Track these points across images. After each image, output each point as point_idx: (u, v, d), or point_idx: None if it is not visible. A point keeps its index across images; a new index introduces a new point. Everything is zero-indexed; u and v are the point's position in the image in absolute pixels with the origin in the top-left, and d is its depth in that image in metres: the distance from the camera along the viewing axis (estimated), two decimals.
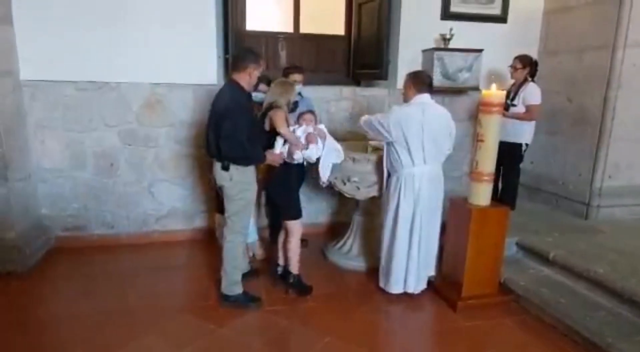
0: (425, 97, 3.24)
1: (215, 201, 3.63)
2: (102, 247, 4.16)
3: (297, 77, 3.81)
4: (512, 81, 4.42)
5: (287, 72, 3.85)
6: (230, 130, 2.88)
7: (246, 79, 3.02)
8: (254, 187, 3.16)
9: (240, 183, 3.05)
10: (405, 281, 3.35)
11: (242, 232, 3.21)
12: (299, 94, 3.86)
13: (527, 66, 4.28)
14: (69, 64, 3.91)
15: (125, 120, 4.13)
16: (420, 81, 3.26)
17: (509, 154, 4.28)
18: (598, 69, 4.30)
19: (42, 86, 3.92)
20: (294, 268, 3.40)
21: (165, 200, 4.37)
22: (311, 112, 3.50)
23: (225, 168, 3.01)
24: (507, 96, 4.20)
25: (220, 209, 3.49)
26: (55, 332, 2.87)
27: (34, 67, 3.85)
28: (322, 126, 3.45)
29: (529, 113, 4.25)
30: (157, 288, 3.48)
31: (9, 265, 3.56)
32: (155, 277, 3.66)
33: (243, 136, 2.91)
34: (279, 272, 3.53)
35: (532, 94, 4.25)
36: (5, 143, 3.58)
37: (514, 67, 4.31)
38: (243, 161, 3.02)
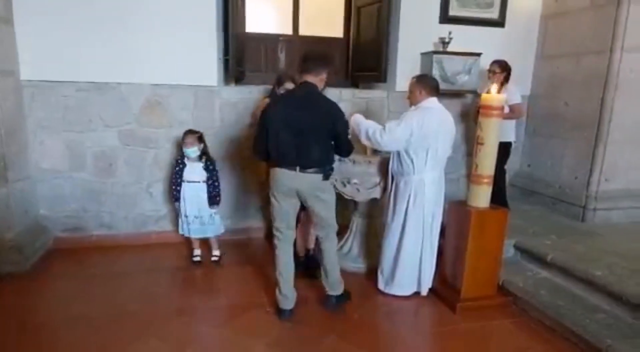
0: (434, 101, 3.27)
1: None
2: (101, 248, 4.16)
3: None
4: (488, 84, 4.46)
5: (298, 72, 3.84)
6: (347, 132, 3.02)
7: (319, 84, 2.96)
8: None
9: (332, 186, 3.18)
10: (419, 283, 3.42)
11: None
12: None
13: (505, 70, 4.37)
14: (69, 65, 3.91)
15: (125, 121, 4.13)
16: (430, 85, 3.27)
17: (499, 153, 4.31)
18: (595, 73, 4.35)
19: (42, 87, 3.92)
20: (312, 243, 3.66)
21: (164, 201, 4.37)
22: None
23: (328, 177, 2.99)
24: None
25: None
26: (54, 334, 2.85)
27: (34, 67, 3.85)
28: None
29: (514, 112, 4.40)
30: (156, 289, 3.48)
31: (7, 266, 3.54)
32: (155, 278, 3.66)
33: None
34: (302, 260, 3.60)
35: (513, 94, 4.39)
36: (6, 144, 3.57)
37: (492, 72, 4.38)
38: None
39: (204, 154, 3.83)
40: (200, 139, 3.81)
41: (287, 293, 3.07)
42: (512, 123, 4.49)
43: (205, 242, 4.04)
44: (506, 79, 4.42)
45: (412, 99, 3.31)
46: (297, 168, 2.86)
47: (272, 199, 3.01)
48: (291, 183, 2.90)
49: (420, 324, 3.28)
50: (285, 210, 3.02)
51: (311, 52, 3.18)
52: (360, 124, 3.33)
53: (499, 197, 4.46)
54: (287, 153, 2.86)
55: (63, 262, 3.87)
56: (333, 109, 2.91)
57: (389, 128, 3.18)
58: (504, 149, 4.39)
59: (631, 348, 2.60)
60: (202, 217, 3.86)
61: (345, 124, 3.02)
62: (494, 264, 3.33)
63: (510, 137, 4.49)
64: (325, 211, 3.05)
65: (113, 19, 3.91)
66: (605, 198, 4.44)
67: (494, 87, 3.20)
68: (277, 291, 3.10)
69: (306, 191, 2.93)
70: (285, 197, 2.97)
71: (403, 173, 3.28)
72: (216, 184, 3.88)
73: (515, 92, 4.43)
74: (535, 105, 5.03)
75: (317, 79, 2.92)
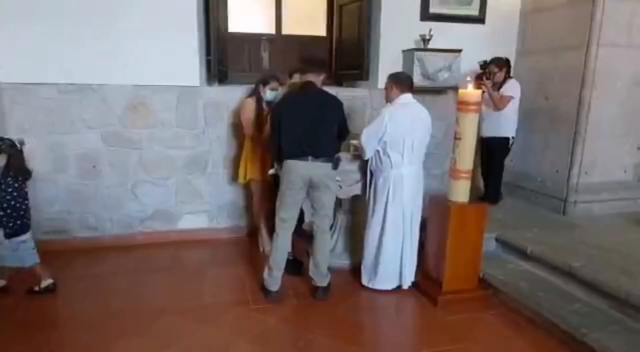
0: (408, 97, 3.35)
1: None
2: (86, 250, 4.15)
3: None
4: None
5: (291, 73, 3.87)
6: (346, 119, 3.35)
7: (319, 83, 3.31)
8: None
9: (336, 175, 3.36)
10: (400, 276, 3.47)
11: None
12: None
13: (504, 67, 4.49)
14: (50, 67, 3.91)
15: (107, 123, 4.13)
16: (401, 82, 3.36)
17: (498, 148, 4.61)
18: (573, 68, 4.41)
19: (23, 89, 3.91)
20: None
21: (149, 201, 4.38)
22: None
23: (337, 167, 3.26)
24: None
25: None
26: (38, 335, 2.85)
27: (14, 69, 3.84)
28: None
29: (501, 101, 4.46)
30: (141, 289, 3.49)
31: None
32: (140, 279, 3.66)
33: None
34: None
35: (510, 86, 4.51)
36: None
37: (492, 73, 4.49)
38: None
39: (12, 168, 3.09)
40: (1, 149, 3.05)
41: (278, 276, 3.28)
42: (513, 119, 4.55)
43: None
44: (508, 73, 4.56)
45: (387, 96, 3.42)
46: (310, 158, 3.11)
47: (285, 191, 3.20)
48: (306, 172, 3.13)
49: (402, 318, 3.34)
50: (294, 201, 3.24)
51: (311, 56, 3.54)
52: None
53: (494, 190, 4.71)
54: (301, 144, 3.10)
55: (47, 265, 3.80)
56: (336, 100, 3.29)
57: (365, 128, 3.34)
58: (503, 144, 4.59)
59: (606, 335, 2.67)
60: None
61: (344, 112, 3.33)
62: (474, 258, 3.38)
63: (509, 133, 4.57)
64: (330, 200, 3.30)
65: (94, 20, 3.90)
66: (586, 191, 4.51)
67: (470, 85, 3.25)
68: (266, 274, 3.30)
69: (319, 179, 3.16)
70: (297, 188, 3.17)
71: (382, 169, 3.34)
72: (7, 208, 3.06)
73: (514, 86, 4.51)
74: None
75: (318, 79, 3.29)
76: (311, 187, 3.20)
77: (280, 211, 3.26)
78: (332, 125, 3.20)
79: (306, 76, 3.27)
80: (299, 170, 3.12)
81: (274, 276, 3.27)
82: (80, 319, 3.03)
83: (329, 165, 3.18)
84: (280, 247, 3.27)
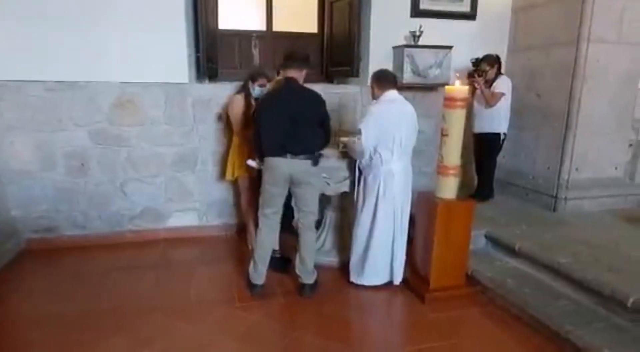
0: (393, 93, 3.33)
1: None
2: (74, 248, 4.13)
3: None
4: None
5: (278, 70, 3.84)
6: (329, 118, 3.31)
7: (301, 79, 3.26)
8: None
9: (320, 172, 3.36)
10: (391, 272, 3.46)
11: None
12: None
13: (495, 64, 4.49)
14: (37, 64, 3.87)
15: (95, 120, 4.10)
16: (383, 79, 3.35)
17: (489, 144, 4.61)
18: (564, 64, 4.40)
19: (9, 86, 3.87)
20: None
21: (138, 199, 4.35)
22: None
23: (317, 163, 3.22)
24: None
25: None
26: (23, 334, 2.85)
27: (1, 66, 3.80)
28: None
29: (492, 97, 4.44)
30: (129, 288, 3.47)
31: None
32: (128, 277, 3.64)
33: None
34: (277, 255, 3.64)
35: (501, 83, 4.50)
36: None
37: (484, 71, 4.48)
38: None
39: None
40: None
41: (262, 270, 3.30)
42: (504, 115, 4.53)
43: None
44: (499, 70, 4.56)
45: (372, 95, 3.42)
46: (289, 155, 3.10)
47: (268, 188, 3.22)
48: (286, 169, 3.13)
49: (389, 315, 3.32)
50: (276, 197, 3.24)
51: (293, 51, 3.44)
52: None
53: (486, 186, 4.72)
54: (281, 142, 3.09)
55: (35, 264, 3.85)
56: (318, 96, 3.25)
57: (362, 128, 3.24)
58: (494, 140, 4.58)
59: (590, 332, 2.66)
60: None
61: (326, 110, 3.29)
62: (461, 255, 3.37)
63: (501, 129, 4.55)
64: (312, 196, 3.29)
65: (81, 16, 3.87)
66: (576, 188, 4.50)
67: (458, 82, 3.23)
68: (251, 269, 3.31)
69: (299, 176, 3.15)
70: (279, 184, 3.19)
71: (371, 166, 3.32)
72: None
73: (505, 83, 4.50)
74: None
75: (299, 75, 3.24)
76: (292, 183, 3.20)
77: (263, 207, 3.27)
78: (313, 122, 3.17)
79: (287, 72, 3.23)
80: (280, 168, 3.13)
81: (259, 271, 3.28)
82: (67, 317, 3.01)
83: (309, 162, 3.16)
84: (264, 242, 3.28)
